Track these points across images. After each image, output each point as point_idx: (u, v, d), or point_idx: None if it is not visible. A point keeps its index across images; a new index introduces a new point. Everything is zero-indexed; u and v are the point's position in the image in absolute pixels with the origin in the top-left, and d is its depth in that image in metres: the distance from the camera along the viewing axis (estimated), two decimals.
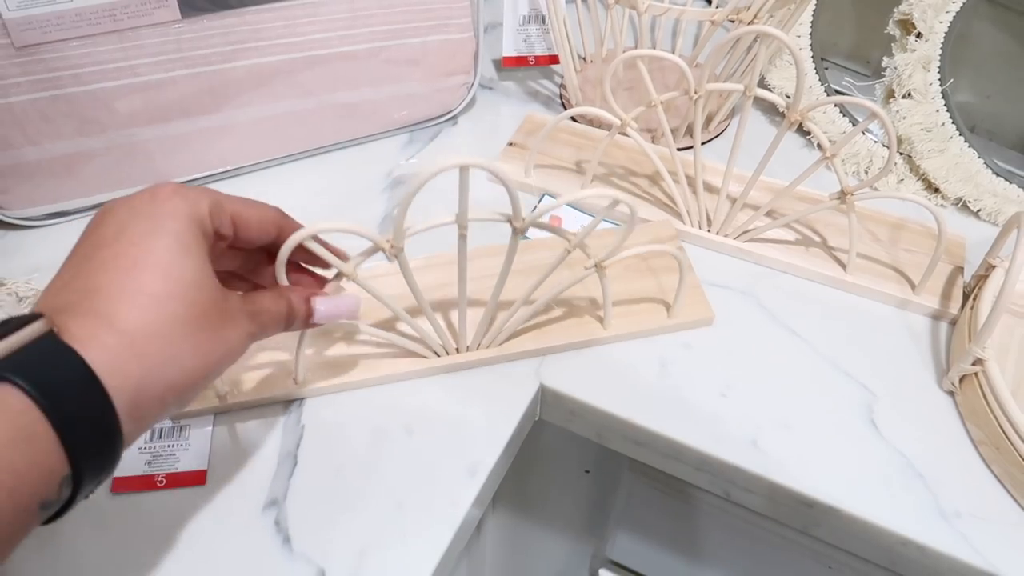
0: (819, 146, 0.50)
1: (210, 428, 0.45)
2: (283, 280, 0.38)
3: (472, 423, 0.46)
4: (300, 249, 0.38)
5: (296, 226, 0.38)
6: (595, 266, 0.45)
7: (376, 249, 0.39)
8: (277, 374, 0.46)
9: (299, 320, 0.38)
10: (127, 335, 0.29)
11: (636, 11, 0.53)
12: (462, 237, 0.41)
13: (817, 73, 0.66)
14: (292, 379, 0.46)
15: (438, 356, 0.48)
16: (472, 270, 0.44)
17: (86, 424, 0.27)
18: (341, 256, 0.40)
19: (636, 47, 0.72)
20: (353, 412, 0.46)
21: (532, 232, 0.48)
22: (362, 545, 0.41)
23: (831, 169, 0.50)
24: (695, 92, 0.50)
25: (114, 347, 0.28)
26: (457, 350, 0.48)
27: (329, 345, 0.48)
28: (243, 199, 0.36)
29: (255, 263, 0.40)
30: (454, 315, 0.48)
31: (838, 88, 0.72)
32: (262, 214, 0.37)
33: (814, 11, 0.68)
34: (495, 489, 0.47)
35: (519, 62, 0.68)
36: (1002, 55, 0.68)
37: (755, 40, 0.53)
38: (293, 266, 0.40)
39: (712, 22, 0.53)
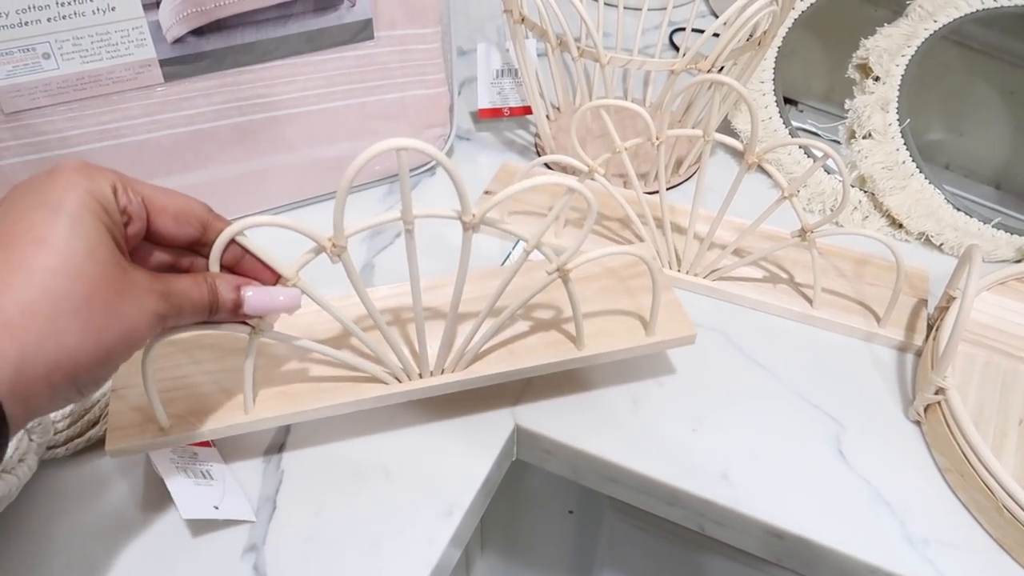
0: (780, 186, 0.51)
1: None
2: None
3: (448, 464, 0.47)
4: (240, 253, 0.37)
5: (224, 223, 0.37)
6: (558, 271, 0.42)
7: (319, 250, 0.37)
8: (226, 405, 0.44)
9: (225, 309, 0.36)
10: (1, 313, 0.28)
11: (599, 63, 0.55)
12: (408, 233, 0.39)
13: (781, 116, 0.69)
14: (241, 410, 0.44)
15: (399, 381, 0.46)
16: (468, 292, 0.43)
17: None
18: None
19: (606, 96, 0.75)
20: (333, 456, 0.47)
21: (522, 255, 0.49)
22: None
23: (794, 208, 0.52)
24: (656, 139, 0.52)
25: None
26: (420, 375, 0.46)
27: (279, 370, 0.46)
28: (162, 188, 0.35)
29: (188, 266, 0.38)
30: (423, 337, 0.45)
31: (804, 128, 0.74)
32: (182, 204, 0.35)
33: (776, 58, 0.70)
34: (473, 528, 0.48)
35: (494, 113, 0.71)
36: (969, 93, 0.71)
37: (712, 87, 0.55)
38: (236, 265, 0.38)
39: (672, 71, 0.55)
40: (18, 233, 0.29)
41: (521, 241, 0.39)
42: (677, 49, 0.84)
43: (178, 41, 0.52)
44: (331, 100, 0.59)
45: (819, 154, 0.65)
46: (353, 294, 0.41)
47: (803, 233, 0.52)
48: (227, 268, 0.38)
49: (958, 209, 0.63)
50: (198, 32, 0.52)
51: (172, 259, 0.37)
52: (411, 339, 0.47)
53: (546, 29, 0.57)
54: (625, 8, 0.76)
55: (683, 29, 0.86)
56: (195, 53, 0.53)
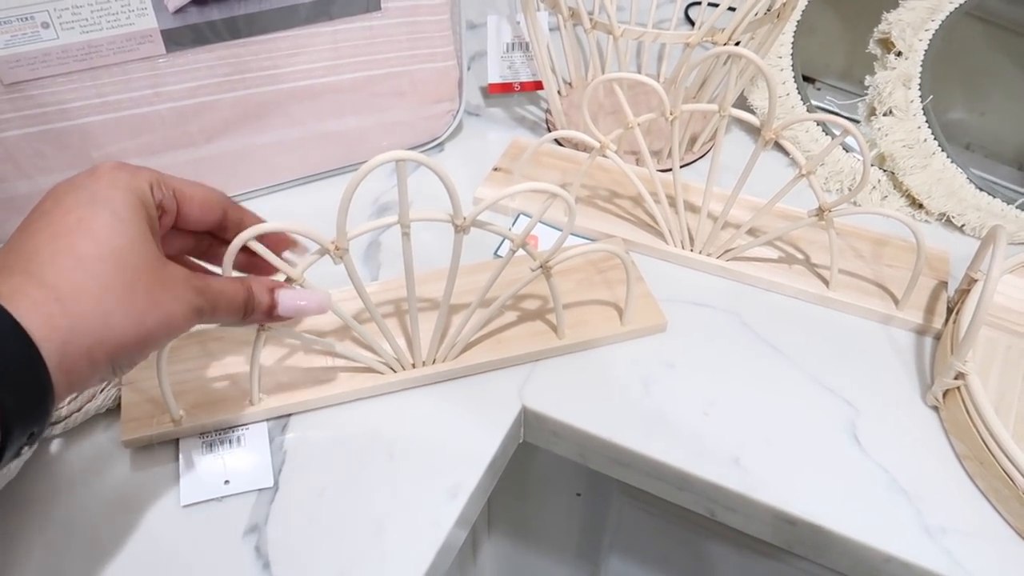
0: (798, 163, 0.50)
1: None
2: (228, 273, 0.39)
3: (454, 444, 0.46)
4: (251, 253, 0.39)
5: (239, 210, 0.40)
6: (540, 267, 0.45)
7: (323, 252, 0.40)
8: (233, 396, 0.47)
9: (260, 311, 0.38)
10: (54, 289, 0.30)
11: (612, 35, 0.54)
12: (405, 236, 0.42)
13: (800, 92, 0.67)
14: (248, 401, 0.46)
15: (394, 371, 0.48)
16: (460, 285, 0.46)
17: (12, 373, 0.28)
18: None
19: (619, 71, 0.73)
20: (335, 436, 0.46)
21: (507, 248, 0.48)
22: (342, 569, 0.41)
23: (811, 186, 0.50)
24: (671, 113, 0.51)
25: (41, 300, 0.29)
26: (413, 365, 0.48)
27: (282, 362, 0.48)
28: (187, 180, 0.38)
29: (207, 247, 0.41)
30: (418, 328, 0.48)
31: (822, 106, 0.72)
32: (205, 194, 0.38)
33: (795, 32, 0.68)
34: (479, 509, 0.47)
35: (504, 88, 0.69)
36: (993, 71, 0.69)
37: (728, 61, 0.53)
38: (250, 261, 0.40)
39: (688, 44, 0.53)
40: (69, 224, 0.32)
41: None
42: (692, 24, 0.82)
43: (180, 11, 0.50)
44: (337, 73, 0.58)
45: (838, 132, 0.63)
46: (353, 287, 0.43)
47: (820, 212, 0.50)
48: (239, 268, 0.40)
49: (981, 189, 0.61)
50: (201, 2, 0.51)
51: (193, 243, 0.40)
52: (407, 330, 0.49)
53: (558, 1, 0.55)
54: None
55: (699, 3, 0.84)
56: (198, 24, 0.51)
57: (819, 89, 0.77)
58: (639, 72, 0.75)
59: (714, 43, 0.54)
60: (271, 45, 0.55)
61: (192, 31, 0.51)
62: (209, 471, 0.44)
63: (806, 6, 0.69)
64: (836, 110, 0.72)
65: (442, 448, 0.46)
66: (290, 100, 0.57)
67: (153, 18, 0.50)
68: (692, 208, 0.59)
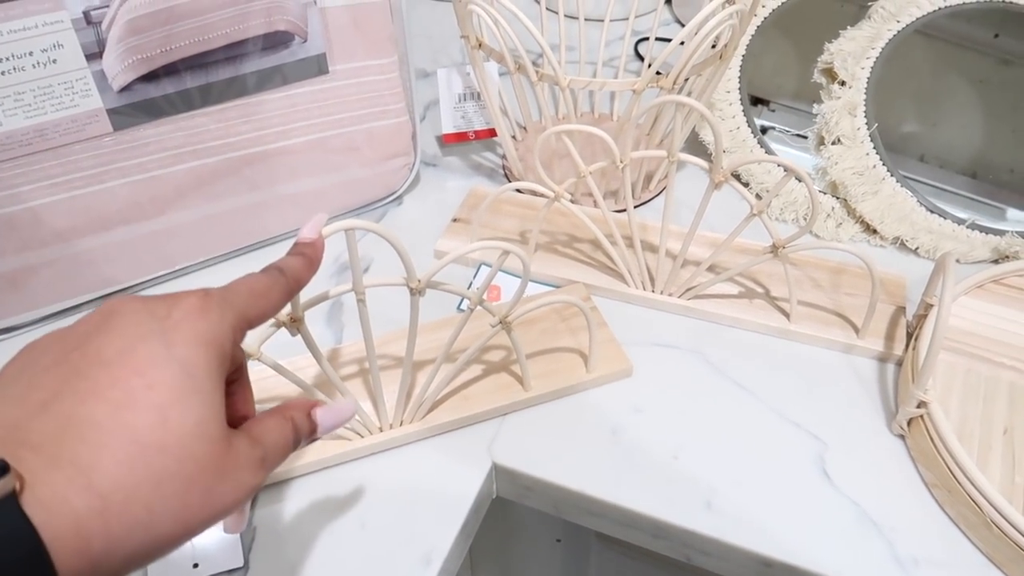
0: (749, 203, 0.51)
1: None
2: None
3: (425, 507, 0.46)
4: None
5: None
6: (500, 323, 0.45)
7: (279, 325, 0.39)
8: None
9: (303, 438, 0.34)
10: (101, 498, 0.24)
11: (559, 86, 0.54)
12: (360, 302, 0.42)
13: (750, 126, 0.68)
14: None
15: (361, 437, 0.48)
16: (424, 342, 0.46)
17: None
18: None
19: (574, 115, 0.74)
20: (305, 508, 0.46)
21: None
22: None
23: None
24: (620, 161, 0.51)
25: (83, 514, 0.24)
26: (380, 428, 0.48)
27: None
28: (256, 295, 0.32)
29: None
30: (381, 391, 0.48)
31: (774, 127, 0.73)
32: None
33: (741, 66, 0.69)
34: (456, 570, 0.47)
35: (459, 138, 0.70)
36: (942, 85, 0.70)
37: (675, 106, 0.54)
38: None
39: (634, 91, 0.54)
40: (135, 392, 0.26)
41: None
42: (642, 59, 0.83)
43: (125, 89, 0.50)
44: (290, 137, 0.58)
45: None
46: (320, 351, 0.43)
47: (775, 248, 0.51)
48: None
49: (931, 211, 0.62)
50: (146, 78, 0.51)
51: None
52: (372, 393, 0.49)
53: (503, 54, 0.55)
54: (586, 20, 0.75)
55: (647, 39, 0.85)
56: (144, 100, 0.51)
57: (773, 111, 0.79)
58: (593, 110, 0.76)
59: (660, 87, 0.55)
60: (220, 115, 0.55)
61: (139, 107, 0.51)
62: (178, 554, 0.43)
63: (756, 29, 0.70)
64: (788, 131, 0.73)
65: (414, 513, 0.46)
66: (243, 166, 0.57)
67: (98, 98, 0.50)
68: (652, 248, 0.60)
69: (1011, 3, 0.66)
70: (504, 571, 0.69)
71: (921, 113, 0.71)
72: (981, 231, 0.61)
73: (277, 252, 0.62)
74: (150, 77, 0.51)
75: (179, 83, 0.52)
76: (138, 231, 0.56)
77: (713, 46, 0.58)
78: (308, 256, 0.35)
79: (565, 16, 0.74)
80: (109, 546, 0.24)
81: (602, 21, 0.75)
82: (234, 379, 0.34)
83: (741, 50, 0.70)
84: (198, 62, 0.52)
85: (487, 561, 0.68)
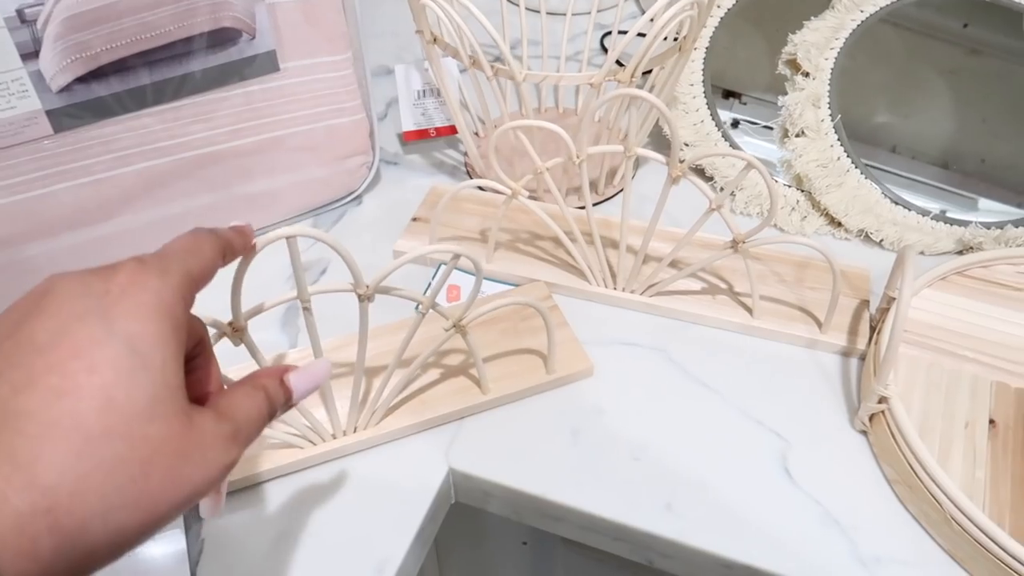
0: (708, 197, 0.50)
1: None
2: None
3: (379, 515, 0.45)
4: None
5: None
6: (454, 327, 0.44)
7: (220, 335, 0.38)
8: None
9: (279, 407, 0.32)
10: (46, 493, 0.22)
11: (514, 81, 0.53)
12: (306, 311, 0.41)
13: (714, 118, 0.67)
14: None
15: (314, 444, 0.47)
16: (380, 346, 0.46)
17: None
18: None
19: (538, 109, 0.73)
20: (255, 519, 0.45)
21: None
22: None
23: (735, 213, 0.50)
24: (577, 157, 0.50)
25: (26, 513, 0.22)
26: (334, 436, 0.47)
27: None
28: (190, 252, 0.29)
29: None
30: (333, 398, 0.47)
31: (748, 120, 0.72)
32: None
33: (705, 58, 0.69)
34: None
35: (420, 135, 0.68)
36: (912, 75, 0.69)
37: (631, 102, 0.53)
38: None
39: (592, 85, 0.53)
40: (76, 375, 0.24)
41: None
42: (607, 52, 0.82)
43: (64, 89, 0.49)
44: (242, 136, 0.57)
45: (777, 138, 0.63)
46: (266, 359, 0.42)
47: (735, 244, 0.50)
48: None
49: (896, 203, 0.61)
50: (86, 78, 0.49)
51: None
52: (324, 401, 0.47)
53: (458, 49, 0.54)
54: (549, 14, 0.74)
55: (621, 32, 0.84)
56: (86, 100, 0.50)
57: (745, 103, 0.78)
58: (557, 105, 0.75)
59: (618, 81, 0.54)
60: (168, 115, 0.53)
61: (81, 108, 0.50)
62: (118, 567, 0.42)
63: (727, 19, 0.69)
64: (758, 122, 0.72)
65: (368, 521, 0.45)
66: (194, 168, 0.56)
67: (36, 99, 0.48)
68: (615, 245, 0.59)
69: None
70: (472, 574, 0.68)
71: (892, 104, 0.71)
72: (946, 222, 0.60)
73: None
74: (91, 77, 0.49)
75: (123, 82, 0.50)
76: (86, 236, 0.54)
77: (675, 39, 0.57)
78: (243, 231, 0.34)
79: (528, 9, 0.73)
80: (61, 544, 0.23)
81: (565, 15, 0.74)
82: (196, 354, 0.32)
83: (704, 42, 0.69)
84: (142, 60, 0.50)
85: (455, 563, 0.67)
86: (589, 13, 0.73)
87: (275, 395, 0.31)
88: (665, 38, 0.53)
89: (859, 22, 0.66)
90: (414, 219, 0.62)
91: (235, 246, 0.33)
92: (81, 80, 0.49)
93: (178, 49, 0.51)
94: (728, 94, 0.78)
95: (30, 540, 0.22)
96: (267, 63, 0.55)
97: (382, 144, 0.71)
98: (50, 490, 0.22)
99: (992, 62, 0.66)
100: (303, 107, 0.58)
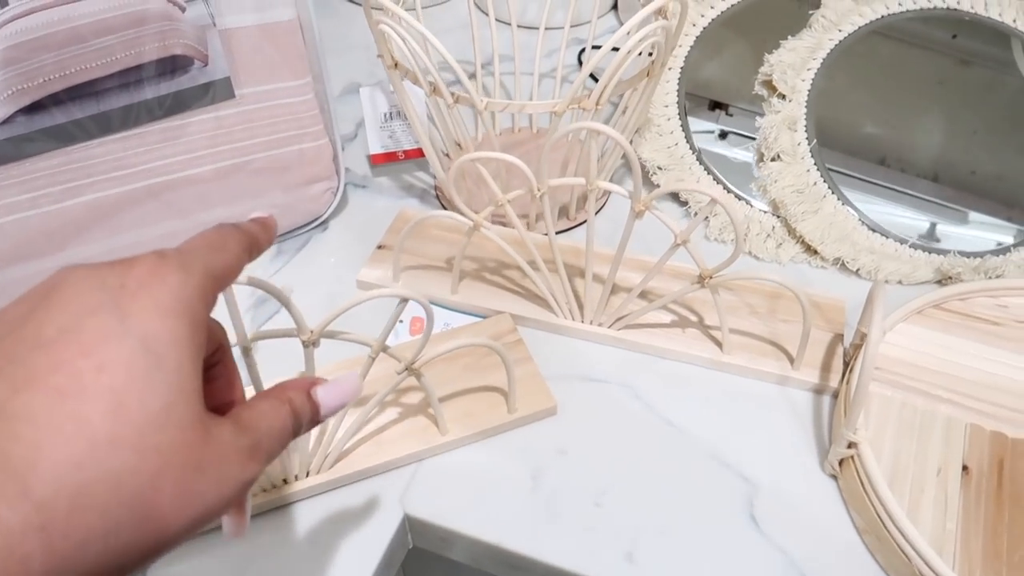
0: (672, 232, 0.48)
1: None
2: None
3: (331, 565, 0.43)
4: None
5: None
6: (407, 370, 0.43)
7: None
8: None
9: (305, 423, 0.29)
10: (41, 508, 0.20)
11: (476, 109, 0.51)
12: (247, 355, 0.39)
13: (688, 141, 0.65)
14: None
15: (265, 491, 0.45)
16: None
17: None
18: None
19: (512, 129, 0.71)
20: (204, 571, 0.43)
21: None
22: None
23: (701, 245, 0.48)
24: (538, 190, 0.49)
25: (18, 530, 0.20)
26: (285, 480, 0.45)
27: None
28: (214, 248, 0.27)
29: None
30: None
31: (734, 131, 0.71)
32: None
33: (680, 77, 0.67)
34: None
35: (388, 158, 0.67)
36: (900, 85, 0.67)
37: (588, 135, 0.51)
38: None
39: (555, 113, 0.51)
40: (83, 375, 0.21)
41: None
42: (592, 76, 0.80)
43: (7, 121, 0.47)
44: (199, 165, 0.55)
45: (750, 154, 0.61)
46: None
47: (701, 279, 0.48)
48: None
49: (873, 230, 0.60)
50: (31, 109, 0.48)
51: None
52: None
53: (417, 75, 0.53)
54: (521, 27, 0.72)
55: (595, 47, 0.82)
56: (31, 132, 0.48)
57: (731, 115, 0.76)
58: (531, 126, 0.73)
59: (582, 108, 0.52)
60: (118, 145, 0.52)
61: (25, 140, 0.48)
62: None
63: (708, 32, 0.67)
64: (743, 134, 0.70)
65: (319, 569, 0.43)
66: (147, 197, 0.54)
67: None
68: (583, 275, 0.57)
69: (954, 10, 0.64)
70: None
71: (880, 115, 0.69)
72: (924, 251, 0.59)
73: None
74: (35, 108, 0.48)
75: (68, 113, 0.49)
76: (35, 268, 0.53)
77: (650, 53, 0.55)
78: (266, 224, 0.31)
79: (499, 21, 0.71)
80: (56, 567, 0.20)
81: (552, 29, 0.71)
82: (215, 361, 0.30)
83: (679, 61, 0.67)
84: (88, 90, 0.49)
85: None
86: (577, 25, 0.71)
87: (301, 409, 0.29)
88: (641, 53, 0.52)
89: (837, 42, 0.64)
90: (379, 246, 0.61)
91: (260, 241, 0.30)
92: (24, 111, 0.47)
93: (127, 78, 0.50)
94: (715, 105, 0.76)
95: (20, 562, 0.20)
96: (222, 90, 0.53)
97: (352, 166, 0.70)
98: (45, 505, 0.20)
99: (982, 73, 0.64)
100: (262, 133, 0.56)
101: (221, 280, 0.26)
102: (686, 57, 0.67)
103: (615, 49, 0.49)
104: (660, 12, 0.55)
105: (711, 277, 0.48)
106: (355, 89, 0.77)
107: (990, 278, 0.55)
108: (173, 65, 0.51)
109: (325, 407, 0.30)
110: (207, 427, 0.24)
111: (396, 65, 0.54)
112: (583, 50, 0.84)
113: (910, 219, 0.64)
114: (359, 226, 0.65)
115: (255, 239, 0.29)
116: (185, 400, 0.23)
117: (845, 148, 0.64)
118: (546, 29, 0.70)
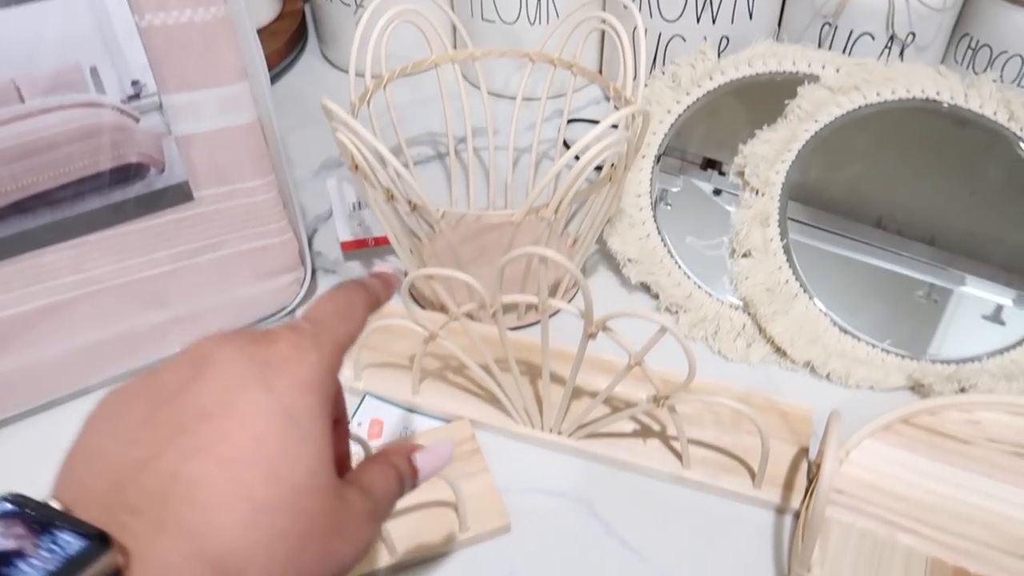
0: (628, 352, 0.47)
1: None
2: None
3: None
4: None
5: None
6: None
7: None
8: None
9: (408, 486, 0.31)
10: (215, 566, 0.22)
11: (432, 219, 0.51)
12: None
13: (660, 234, 0.64)
14: None
15: None
16: None
17: None
18: None
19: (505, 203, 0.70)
20: None
21: None
22: None
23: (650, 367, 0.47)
24: (490, 306, 0.48)
25: None
26: None
27: None
28: (343, 317, 0.30)
29: None
30: None
31: (724, 190, 0.70)
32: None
33: (653, 168, 0.66)
34: None
35: (359, 244, 0.66)
36: (896, 145, 0.65)
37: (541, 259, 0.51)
38: None
39: (512, 223, 0.51)
40: (243, 445, 0.24)
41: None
42: (568, 146, 0.80)
43: None
44: (158, 266, 0.55)
45: (735, 235, 0.60)
46: None
47: (657, 400, 0.47)
48: None
49: (845, 332, 0.58)
50: None
51: None
52: None
53: (374, 182, 0.52)
54: (491, 94, 0.70)
55: (574, 120, 0.82)
56: None
57: (724, 174, 0.74)
58: (504, 204, 0.72)
59: (541, 217, 0.51)
60: (73, 251, 0.51)
61: None
62: None
63: (693, 110, 0.65)
64: (735, 193, 0.69)
65: None
66: (105, 299, 0.54)
67: None
68: (553, 380, 0.56)
69: (933, 101, 0.63)
70: None
71: (876, 176, 0.67)
72: (896, 355, 0.57)
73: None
74: None
75: (19, 224, 0.49)
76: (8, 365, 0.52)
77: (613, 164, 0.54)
78: (388, 281, 0.34)
79: (490, 94, 0.70)
80: None
81: (514, 99, 0.70)
82: (333, 417, 0.31)
83: (654, 149, 0.66)
84: (39, 202, 0.49)
85: None
86: (560, 96, 0.70)
87: (405, 474, 0.31)
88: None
89: (812, 133, 0.63)
90: None
91: (381, 300, 0.33)
92: None
93: (82, 187, 0.49)
94: (708, 163, 0.75)
95: None
96: (179, 194, 0.53)
97: (324, 248, 0.69)
98: (218, 564, 0.22)
99: (980, 133, 0.62)
100: (223, 232, 0.56)
101: (346, 348, 0.29)
102: (661, 144, 0.66)
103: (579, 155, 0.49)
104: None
105: (667, 397, 0.47)
106: (333, 163, 0.77)
107: (963, 388, 0.54)
108: (128, 173, 0.50)
109: (423, 472, 0.32)
110: (342, 492, 0.26)
111: (357, 168, 0.54)
112: (570, 121, 0.83)
113: (906, 280, 0.62)
114: None
115: (377, 299, 0.33)
116: (325, 468, 0.25)
117: (839, 208, 0.62)
118: (516, 98, 0.68)
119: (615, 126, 0.50)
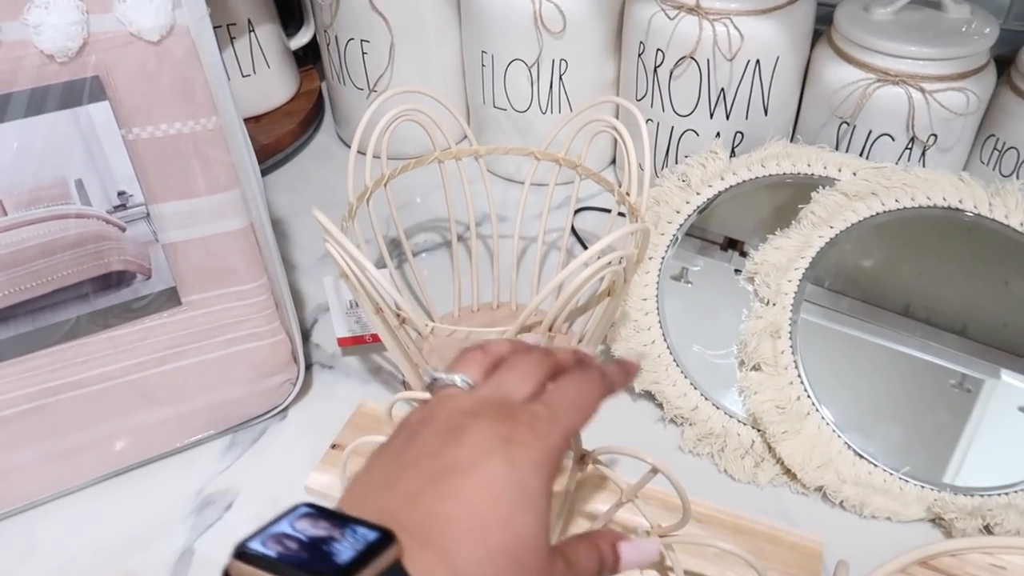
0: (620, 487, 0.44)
1: None
2: None
3: None
4: None
5: None
6: None
7: None
8: None
9: (607, 571, 0.34)
10: None
11: (420, 333, 0.49)
12: None
13: (665, 340, 0.61)
14: None
15: None
16: None
17: None
18: None
19: (493, 306, 0.68)
20: None
21: None
22: None
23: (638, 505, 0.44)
24: None
25: None
26: None
27: None
28: (581, 409, 0.33)
29: None
30: None
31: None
32: None
33: (660, 268, 0.63)
34: None
35: (355, 341, 0.64)
36: (927, 231, 0.62)
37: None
38: None
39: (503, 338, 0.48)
40: (485, 500, 0.28)
41: None
42: (577, 236, 0.78)
43: None
44: (144, 369, 0.53)
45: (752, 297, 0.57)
46: None
47: (651, 535, 0.44)
48: None
49: (861, 456, 0.55)
50: None
51: None
52: None
53: (363, 296, 0.50)
54: (501, 178, 0.69)
55: (583, 209, 0.80)
56: None
57: (744, 255, 0.71)
58: (511, 300, 0.70)
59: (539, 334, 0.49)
60: (55, 358, 0.50)
61: None
62: None
63: (698, 213, 0.63)
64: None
65: None
66: (88, 403, 0.52)
67: None
68: None
69: (956, 210, 0.60)
70: None
71: (905, 262, 0.64)
72: (915, 484, 0.54)
73: (134, 481, 0.57)
74: None
75: (4, 331, 0.48)
76: None
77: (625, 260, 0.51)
78: (628, 371, 0.38)
79: (499, 178, 0.69)
80: None
81: (522, 183, 0.68)
82: None
83: (661, 251, 0.64)
84: (22, 310, 0.48)
85: None
86: (565, 186, 0.68)
87: (607, 559, 0.34)
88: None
89: (828, 240, 0.60)
90: (333, 445, 0.58)
91: (616, 388, 0.36)
92: None
93: (66, 295, 0.49)
94: (730, 243, 0.73)
95: None
96: (166, 299, 0.52)
97: (322, 342, 0.68)
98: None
99: (1007, 244, 0.59)
100: (212, 336, 0.55)
101: (575, 434, 0.33)
102: (668, 246, 0.64)
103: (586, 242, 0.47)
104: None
105: (662, 536, 0.44)
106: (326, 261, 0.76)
107: (987, 525, 0.50)
108: (114, 280, 0.49)
109: (624, 562, 0.35)
110: (553, 558, 0.30)
111: (347, 278, 0.52)
112: (578, 210, 0.82)
113: (936, 368, 0.60)
114: (320, 415, 0.62)
115: (612, 388, 0.36)
116: (544, 535, 0.29)
117: (866, 295, 0.60)
118: (524, 183, 0.67)
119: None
